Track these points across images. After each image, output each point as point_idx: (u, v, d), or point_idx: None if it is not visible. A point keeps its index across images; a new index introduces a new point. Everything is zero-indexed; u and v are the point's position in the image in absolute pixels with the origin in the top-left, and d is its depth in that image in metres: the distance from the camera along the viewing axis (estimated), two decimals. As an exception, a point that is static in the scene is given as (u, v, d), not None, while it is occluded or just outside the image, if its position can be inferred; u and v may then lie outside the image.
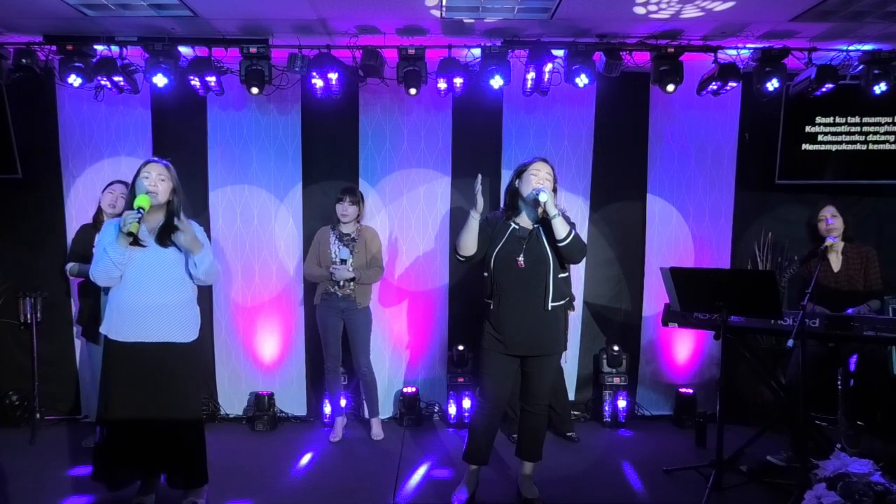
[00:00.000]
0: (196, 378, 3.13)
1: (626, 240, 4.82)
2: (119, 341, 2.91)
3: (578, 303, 4.73)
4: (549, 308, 3.08)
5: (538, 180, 3.07)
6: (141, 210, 2.81)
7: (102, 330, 2.97)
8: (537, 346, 3.11)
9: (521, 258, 3.06)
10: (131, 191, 2.95)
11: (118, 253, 2.84)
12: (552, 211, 2.99)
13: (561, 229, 3.02)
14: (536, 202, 2.99)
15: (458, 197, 4.73)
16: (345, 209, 4.13)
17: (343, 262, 4.10)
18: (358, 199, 4.20)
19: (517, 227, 3.14)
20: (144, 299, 2.90)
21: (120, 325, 2.92)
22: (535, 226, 3.13)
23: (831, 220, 3.74)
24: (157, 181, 2.92)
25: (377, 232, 4.37)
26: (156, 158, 3.01)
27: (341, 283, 4.12)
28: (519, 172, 3.16)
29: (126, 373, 2.91)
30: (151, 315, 2.91)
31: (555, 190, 3.16)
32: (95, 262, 2.91)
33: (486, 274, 3.19)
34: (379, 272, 4.27)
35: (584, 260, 4.68)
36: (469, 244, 3.08)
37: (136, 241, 2.87)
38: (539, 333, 3.10)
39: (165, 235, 2.95)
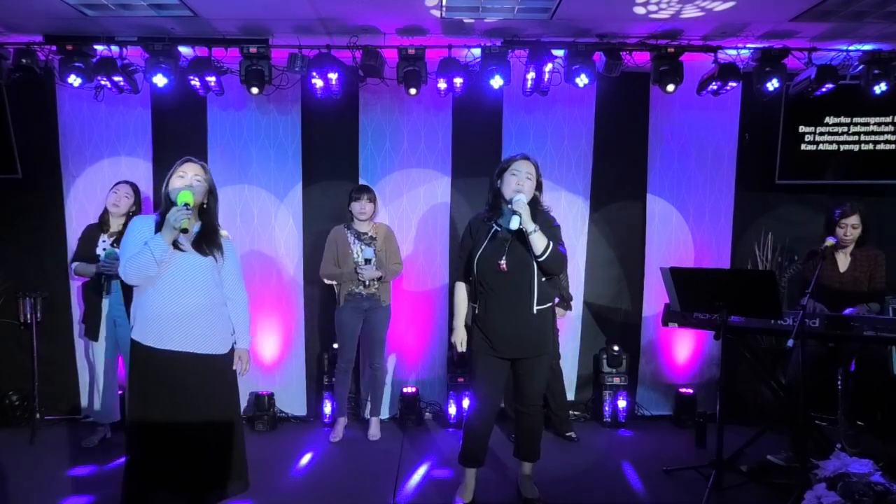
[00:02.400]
0: (234, 388, 2.98)
1: (626, 240, 4.82)
2: (152, 347, 2.73)
3: (578, 303, 4.73)
4: (535, 311, 3.05)
5: (518, 180, 3.01)
6: (188, 206, 2.66)
7: (135, 336, 2.77)
8: (525, 348, 3.08)
9: (503, 261, 3.01)
10: (165, 188, 2.80)
11: (161, 250, 2.64)
12: (529, 227, 2.92)
13: (538, 245, 2.95)
14: (512, 213, 2.94)
15: (458, 197, 4.72)
16: (363, 206, 4.12)
17: (368, 261, 4.10)
18: (374, 197, 4.21)
19: (499, 228, 3.10)
20: (181, 306, 2.73)
21: (154, 330, 2.74)
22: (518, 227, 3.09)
23: (850, 233, 3.71)
24: (193, 181, 2.79)
25: (391, 228, 4.37)
26: (192, 158, 2.88)
27: (367, 282, 4.12)
28: (500, 171, 3.11)
29: (159, 379, 2.74)
30: (188, 323, 2.74)
31: (539, 186, 3.11)
32: (131, 258, 2.67)
33: (470, 278, 3.17)
34: (399, 268, 4.28)
35: (583, 260, 4.74)
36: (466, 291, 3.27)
37: (175, 243, 2.72)
38: (526, 336, 3.06)
39: (203, 243, 2.80)
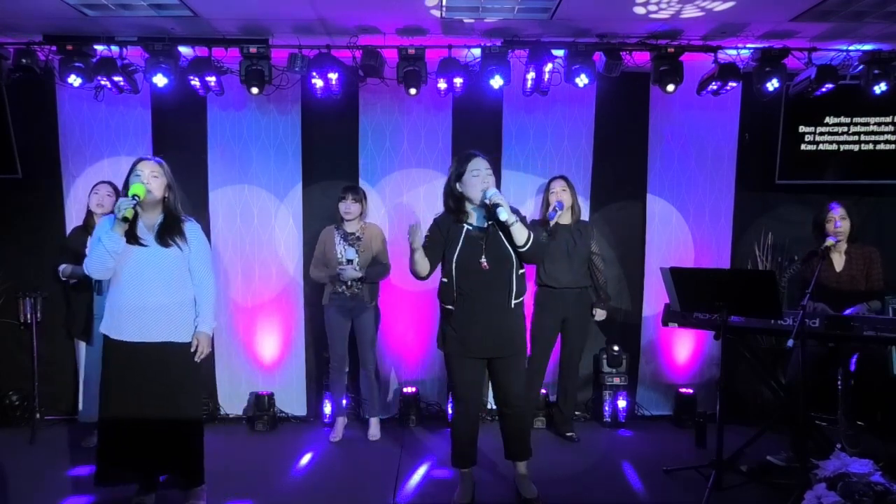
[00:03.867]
0: (196, 378, 3.10)
1: (626, 240, 4.82)
2: (119, 340, 2.90)
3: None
4: (513, 305, 3.05)
5: (482, 179, 3.01)
6: (136, 197, 2.78)
7: (102, 329, 2.96)
8: (503, 346, 3.07)
9: (483, 260, 2.99)
10: (124, 189, 2.92)
11: (113, 241, 2.80)
12: (510, 219, 2.92)
13: (521, 235, 2.95)
14: (493, 208, 2.93)
15: (458, 197, 4.72)
16: (347, 207, 4.13)
17: (349, 261, 4.10)
18: (360, 197, 4.20)
19: (470, 226, 3.08)
20: (145, 299, 2.88)
21: (120, 324, 2.90)
22: (489, 223, 3.08)
23: (839, 224, 3.70)
24: (150, 178, 2.91)
25: (381, 229, 4.37)
26: (147, 157, 3.00)
27: (349, 283, 4.12)
28: (458, 175, 3.07)
29: (126, 372, 2.89)
30: (152, 315, 2.89)
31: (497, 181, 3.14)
32: (89, 253, 2.90)
33: (444, 280, 3.10)
34: (386, 269, 4.26)
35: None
36: (423, 269, 3.04)
37: (135, 238, 2.86)
38: (504, 333, 3.05)
39: (166, 234, 2.94)
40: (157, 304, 2.90)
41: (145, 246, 2.90)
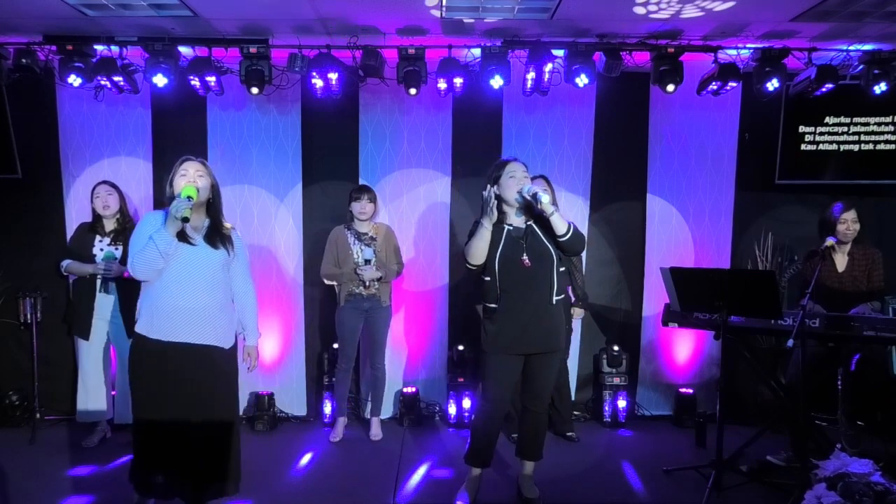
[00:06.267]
0: (234, 384, 2.98)
1: (626, 240, 4.82)
2: (160, 341, 2.76)
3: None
4: (554, 302, 3.10)
5: (518, 180, 3.07)
6: (191, 199, 2.68)
7: (140, 330, 2.80)
8: (544, 341, 3.11)
9: (525, 258, 3.06)
10: (169, 191, 2.82)
11: (165, 242, 2.68)
12: (550, 209, 3.00)
13: (560, 225, 3.03)
14: (533, 200, 3.00)
15: (458, 197, 4.73)
16: (363, 206, 4.12)
17: (367, 262, 4.10)
18: (374, 197, 4.21)
19: (511, 227, 3.13)
20: (189, 299, 2.76)
21: (163, 324, 2.75)
22: (528, 223, 3.14)
23: (852, 227, 3.71)
24: (196, 178, 2.82)
25: (391, 228, 4.37)
26: (190, 157, 2.90)
27: (367, 283, 4.12)
28: (495, 179, 3.12)
29: (161, 375, 2.76)
30: (195, 315, 2.77)
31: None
32: (138, 253, 2.71)
33: (487, 278, 3.14)
34: (400, 268, 4.29)
35: (583, 260, 4.73)
36: (482, 252, 3.06)
37: (184, 237, 2.76)
38: (546, 329, 3.10)
39: (215, 236, 2.86)
40: (200, 305, 2.79)
41: (194, 245, 2.80)
